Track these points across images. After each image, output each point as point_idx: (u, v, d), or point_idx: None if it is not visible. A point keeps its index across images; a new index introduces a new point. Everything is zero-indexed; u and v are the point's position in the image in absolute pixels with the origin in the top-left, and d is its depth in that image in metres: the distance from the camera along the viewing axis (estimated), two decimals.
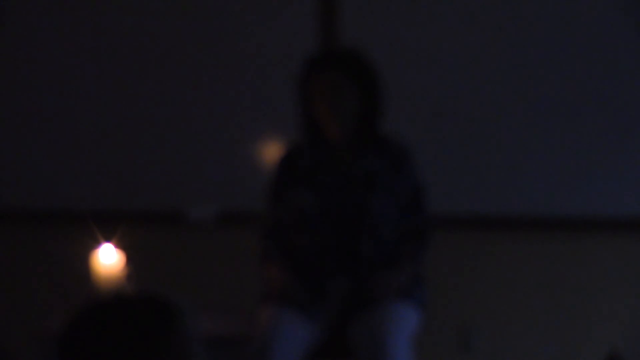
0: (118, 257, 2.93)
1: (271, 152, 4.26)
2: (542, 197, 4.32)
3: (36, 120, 4.52)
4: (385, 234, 3.56)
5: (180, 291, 2.71)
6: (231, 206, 4.44)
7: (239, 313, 4.02)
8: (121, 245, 2.97)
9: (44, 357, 3.86)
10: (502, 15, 4.27)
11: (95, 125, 4.49)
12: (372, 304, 3.50)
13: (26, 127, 4.53)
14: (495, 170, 4.33)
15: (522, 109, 4.30)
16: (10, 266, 4.58)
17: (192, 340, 1.63)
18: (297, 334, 3.49)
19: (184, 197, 4.47)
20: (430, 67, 4.32)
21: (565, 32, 4.25)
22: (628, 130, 4.27)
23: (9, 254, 4.59)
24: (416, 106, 4.32)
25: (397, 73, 4.18)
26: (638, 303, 4.36)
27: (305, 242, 3.57)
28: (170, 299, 1.65)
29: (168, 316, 1.62)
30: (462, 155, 4.34)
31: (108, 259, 2.92)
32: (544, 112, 4.29)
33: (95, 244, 2.95)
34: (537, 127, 4.30)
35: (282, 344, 3.42)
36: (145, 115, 4.47)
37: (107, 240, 2.99)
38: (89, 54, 4.47)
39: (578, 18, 4.24)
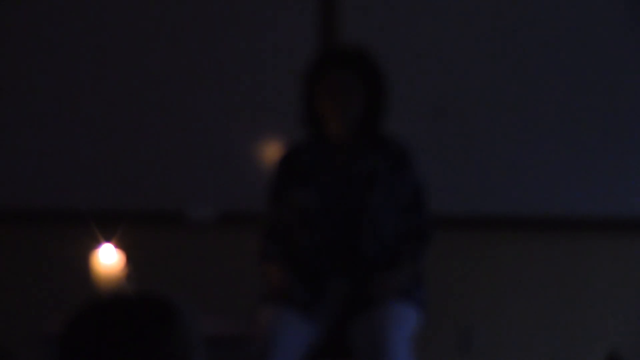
0: (118, 257, 2.92)
1: (271, 152, 4.26)
2: (542, 197, 4.32)
3: (36, 120, 4.52)
4: (385, 233, 3.56)
5: (180, 291, 2.71)
6: (231, 206, 4.44)
7: (239, 313, 4.02)
8: (121, 245, 2.97)
9: (44, 357, 3.86)
10: (503, 15, 4.27)
11: (95, 125, 4.49)
12: (372, 304, 3.50)
13: (26, 127, 4.53)
14: (495, 170, 4.33)
15: (522, 109, 4.30)
16: (10, 266, 4.58)
17: (192, 340, 1.63)
18: (297, 334, 3.48)
19: (184, 197, 4.47)
20: (430, 66, 4.32)
21: (566, 32, 4.25)
22: (628, 130, 4.27)
23: (9, 254, 4.59)
24: (416, 106, 4.32)
25: (396, 72, 4.17)
26: (638, 303, 4.36)
27: (305, 242, 3.57)
28: (170, 299, 1.65)
29: (168, 316, 1.62)
30: (462, 155, 4.34)
31: (108, 259, 2.91)
32: (544, 112, 4.29)
33: (95, 244, 2.95)
34: (538, 127, 4.29)
35: (282, 344, 3.42)
36: (145, 115, 4.47)
37: (107, 240, 2.98)
38: (89, 54, 4.47)
39: (578, 18, 4.24)
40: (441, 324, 4.38)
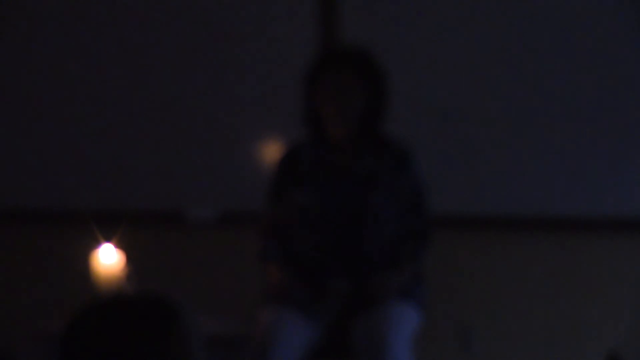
0: (118, 257, 2.92)
1: (271, 152, 4.26)
2: (542, 197, 4.32)
3: (36, 120, 4.52)
4: (386, 233, 3.56)
5: (180, 291, 2.71)
6: (231, 206, 4.44)
7: (239, 313, 4.02)
8: (121, 245, 2.97)
9: (44, 357, 3.86)
10: (502, 16, 4.27)
11: (95, 125, 4.49)
12: (372, 304, 3.50)
13: (26, 127, 4.53)
14: (495, 170, 4.33)
15: (522, 110, 4.30)
16: (10, 266, 4.58)
17: (192, 340, 1.63)
18: (297, 334, 3.48)
19: (184, 197, 4.47)
20: (430, 67, 4.32)
21: (566, 33, 4.25)
22: (628, 131, 4.27)
23: (9, 254, 4.59)
24: (416, 106, 4.32)
25: (396, 73, 4.17)
26: (638, 303, 4.36)
27: (305, 242, 3.57)
28: (170, 299, 1.65)
29: (168, 316, 1.62)
30: (463, 156, 4.34)
31: (108, 259, 2.91)
32: (544, 112, 4.29)
33: (95, 244, 2.95)
34: (537, 127, 4.30)
35: (282, 344, 3.42)
36: (146, 115, 4.47)
37: (107, 240, 2.98)
38: (90, 53, 4.47)
39: (578, 19, 4.24)
40: (441, 324, 4.38)
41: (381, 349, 3.38)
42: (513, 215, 4.35)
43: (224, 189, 4.45)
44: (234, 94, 4.42)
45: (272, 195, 3.67)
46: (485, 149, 4.33)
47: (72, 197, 4.51)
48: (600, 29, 4.23)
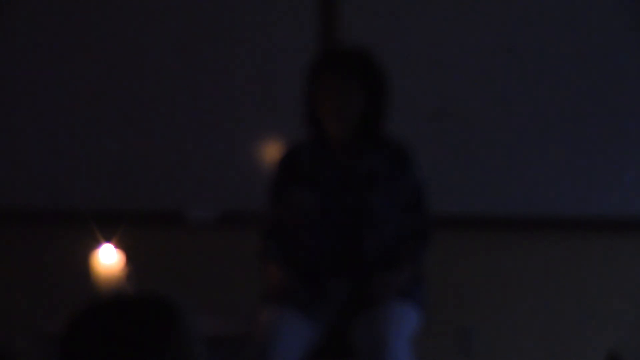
0: (118, 257, 2.93)
1: (271, 152, 4.26)
2: (542, 197, 4.32)
3: (36, 120, 4.52)
4: (386, 233, 3.56)
5: (180, 291, 2.71)
6: (231, 206, 4.44)
7: (239, 313, 4.02)
8: (121, 245, 2.97)
9: (44, 357, 3.86)
10: (502, 16, 4.27)
11: (96, 125, 4.49)
12: (372, 304, 3.50)
13: (26, 127, 4.53)
14: (495, 170, 4.33)
15: (522, 109, 4.30)
16: (10, 266, 4.58)
17: (192, 340, 1.63)
18: (297, 334, 3.48)
19: (184, 197, 4.47)
20: (430, 67, 4.32)
21: (566, 33, 4.25)
22: (628, 131, 4.27)
23: (9, 254, 4.59)
24: (416, 106, 4.32)
25: (396, 73, 4.17)
26: (638, 303, 4.36)
27: (305, 242, 3.57)
28: (170, 299, 1.65)
29: (168, 316, 1.63)
30: (462, 155, 4.34)
31: (108, 259, 2.92)
32: (544, 112, 4.29)
33: (95, 244, 2.95)
34: (537, 127, 4.30)
35: (282, 344, 3.42)
36: (146, 115, 4.47)
37: (107, 240, 2.99)
38: (89, 53, 4.47)
39: (578, 19, 4.24)
40: (441, 324, 4.38)
41: (381, 349, 3.38)
42: (513, 215, 4.35)
43: (224, 189, 4.45)
44: (234, 94, 4.42)
45: (272, 196, 3.67)
46: (485, 149, 4.33)
47: (72, 197, 4.51)
48: (601, 29, 4.23)
